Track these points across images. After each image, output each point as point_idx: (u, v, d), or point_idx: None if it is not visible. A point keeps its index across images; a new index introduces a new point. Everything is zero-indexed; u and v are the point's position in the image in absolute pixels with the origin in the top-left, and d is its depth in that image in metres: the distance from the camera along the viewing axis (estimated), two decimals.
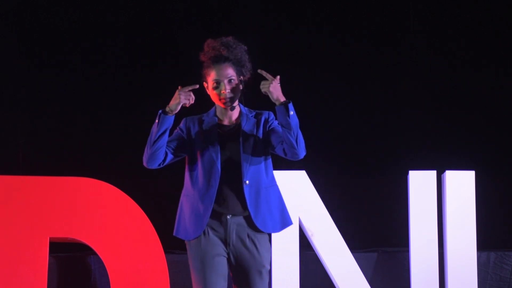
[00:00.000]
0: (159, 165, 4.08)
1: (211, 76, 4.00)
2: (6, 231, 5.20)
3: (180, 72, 6.56)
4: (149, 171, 6.47)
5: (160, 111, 3.95)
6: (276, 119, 4.04)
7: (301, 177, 5.71)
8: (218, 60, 4.00)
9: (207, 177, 3.96)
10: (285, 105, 3.91)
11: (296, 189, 5.70)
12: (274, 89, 3.92)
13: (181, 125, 4.12)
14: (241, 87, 4.05)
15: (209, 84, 4.02)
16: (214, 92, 4.01)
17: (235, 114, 4.08)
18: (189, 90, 3.94)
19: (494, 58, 6.79)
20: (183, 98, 3.92)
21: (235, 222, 3.97)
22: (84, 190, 5.31)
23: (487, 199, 6.17)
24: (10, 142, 6.46)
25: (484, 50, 6.79)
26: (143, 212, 5.34)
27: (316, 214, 5.71)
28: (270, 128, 4.07)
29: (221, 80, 3.99)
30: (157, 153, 4.01)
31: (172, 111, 3.95)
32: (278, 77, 3.94)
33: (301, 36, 6.74)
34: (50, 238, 5.24)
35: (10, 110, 6.51)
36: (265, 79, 3.96)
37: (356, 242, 5.98)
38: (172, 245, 5.81)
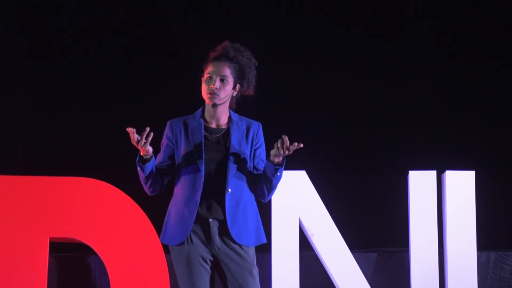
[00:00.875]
0: (162, 187, 4.10)
1: (207, 70, 4.00)
2: (6, 231, 5.20)
3: (180, 72, 6.56)
4: None
5: (137, 159, 3.93)
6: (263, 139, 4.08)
7: (301, 177, 5.71)
8: (220, 57, 4.00)
9: (192, 182, 3.94)
10: (276, 167, 3.91)
11: (296, 189, 5.70)
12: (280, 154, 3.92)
13: (168, 132, 4.07)
14: (234, 93, 4.04)
15: (204, 78, 4.02)
16: (204, 85, 4.00)
17: (223, 117, 4.05)
18: (145, 138, 3.86)
19: (495, 58, 6.79)
20: (147, 147, 3.89)
21: (216, 225, 3.96)
22: (84, 190, 5.30)
23: (487, 199, 6.17)
24: (10, 142, 6.46)
25: (485, 50, 6.79)
26: (143, 212, 5.33)
27: (316, 214, 5.71)
28: (255, 149, 4.05)
29: (214, 76, 3.97)
30: (155, 186, 4.05)
31: (146, 156, 3.92)
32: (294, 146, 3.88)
33: (300, 35, 6.74)
34: (50, 238, 5.24)
35: (10, 110, 6.51)
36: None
37: (356, 242, 5.98)
38: None
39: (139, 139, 3.83)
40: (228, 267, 3.96)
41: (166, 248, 5.38)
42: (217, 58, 4.00)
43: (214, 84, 3.96)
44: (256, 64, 4.09)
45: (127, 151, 6.51)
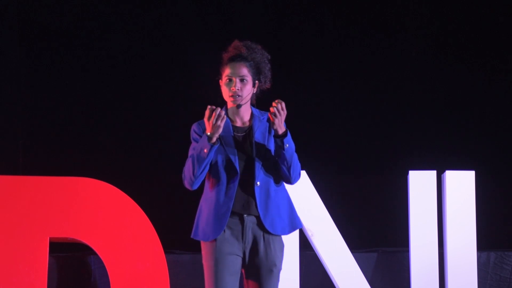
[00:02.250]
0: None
1: (225, 73, 4.07)
2: (6, 231, 5.20)
3: (181, 72, 6.56)
4: (149, 171, 6.50)
5: (208, 144, 3.94)
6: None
7: (301, 177, 5.69)
8: (235, 58, 4.07)
9: (226, 179, 4.01)
10: (281, 138, 3.98)
11: (296, 189, 5.69)
12: (278, 120, 3.99)
13: (198, 132, 4.09)
14: (254, 90, 4.11)
15: (223, 80, 4.08)
16: (226, 88, 4.07)
17: (246, 115, 4.13)
18: (220, 117, 3.91)
19: (494, 58, 6.79)
20: (219, 124, 3.92)
21: (251, 221, 4.02)
22: (84, 190, 5.31)
23: (487, 199, 6.17)
24: (10, 142, 6.46)
25: (484, 50, 6.79)
26: (143, 212, 5.34)
27: (316, 214, 5.71)
28: None
29: (233, 78, 4.04)
30: (202, 177, 4.04)
31: (212, 139, 3.95)
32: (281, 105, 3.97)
33: (301, 36, 6.74)
34: (50, 238, 5.24)
35: (10, 110, 6.50)
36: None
37: (356, 242, 5.98)
38: (172, 245, 5.81)
39: (216, 118, 3.87)
40: (252, 262, 4.02)
41: (166, 248, 5.39)
42: (233, 59, 4.07)
43: (235, 86, 4.04)
44: (269, 57, 4.15)
45: (127, 151, 6.54)
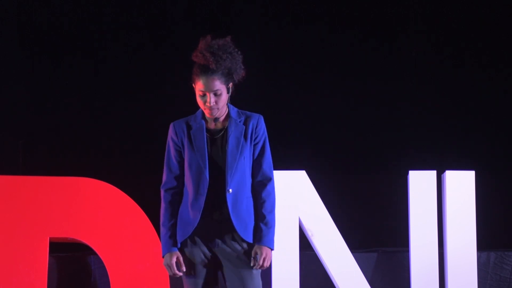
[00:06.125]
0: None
1: (198, 85, 3.92)
2: (6, 231, 5.20)
3: (181, 72, 6.56)
4: (149, 171, 6.49)
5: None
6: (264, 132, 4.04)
7: (301, 177, 5.71)
8: (206, 71, 3.90)
9: (196, 185, 3.92)
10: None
11: (296, 189, 5.69)
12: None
13: (172, 135, 4.03)
14: (229, 94, 3.97)
15: (196, 91, 3.95)
16: (200, 100, 3.95)
17: (222, 116, 4.00)
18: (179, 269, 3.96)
19: (494, 58, 6.79)
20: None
21: (220, 225, 3.95)
22: (84, 190, 5.31)
23: (487, 199, 6.17)
24: (10, 142, 6.46)
25: (485, 50, 6.79)
26: (143, 212, 5.34)
27: (316, 214, 5.71)
28: (254, 145, 4.01)
29: (207, 92, 3.91)
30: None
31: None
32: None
33: (300, 36, 6.74)
34: (50, 238, 5.24)
35: (10, 110, 6.51)
36: None
37: (356, 242, 5.98)
38: None
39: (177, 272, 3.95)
40: (228, 266, 3.96)
41: None
42: (204, 73, 3.91)
43: (210, 102, 3.91)
44: (239, 51, 3.96)
45: (127, 152, 6.54)
